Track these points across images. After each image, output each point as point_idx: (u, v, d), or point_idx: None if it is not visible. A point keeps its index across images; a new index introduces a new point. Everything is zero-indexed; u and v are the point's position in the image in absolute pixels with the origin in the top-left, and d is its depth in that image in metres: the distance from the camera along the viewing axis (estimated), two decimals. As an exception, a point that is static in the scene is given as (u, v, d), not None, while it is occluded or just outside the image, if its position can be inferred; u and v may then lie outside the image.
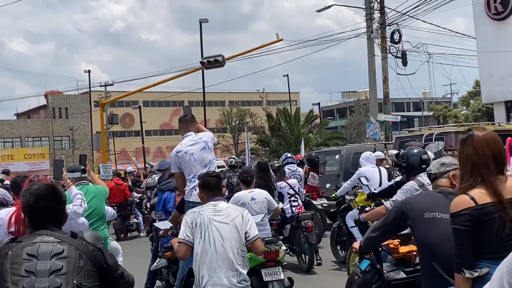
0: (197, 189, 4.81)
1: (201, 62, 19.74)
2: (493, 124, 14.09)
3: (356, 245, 4.07)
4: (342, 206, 9.14)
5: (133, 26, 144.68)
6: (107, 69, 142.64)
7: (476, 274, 2.85)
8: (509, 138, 8.53)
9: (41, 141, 62.23)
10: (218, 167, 17.40)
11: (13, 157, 55.59)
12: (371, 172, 8.73)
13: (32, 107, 68.50)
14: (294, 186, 9.49)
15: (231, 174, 12.84)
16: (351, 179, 9.13)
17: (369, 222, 5.73)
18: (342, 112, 70.53)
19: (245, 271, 4.04)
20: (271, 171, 9.38)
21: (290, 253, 9.17)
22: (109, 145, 41.53)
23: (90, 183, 6.63)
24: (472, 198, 2.91)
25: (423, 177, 5.34)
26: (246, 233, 4.12)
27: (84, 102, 60.04)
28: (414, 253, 3.99)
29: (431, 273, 3.24)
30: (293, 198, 9.32)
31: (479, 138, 2.99)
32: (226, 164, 15.91)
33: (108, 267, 2.84)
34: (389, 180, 8.28)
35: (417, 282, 3.78)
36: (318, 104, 53.85)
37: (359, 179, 8.65)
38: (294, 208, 9.23)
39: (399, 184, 6.20)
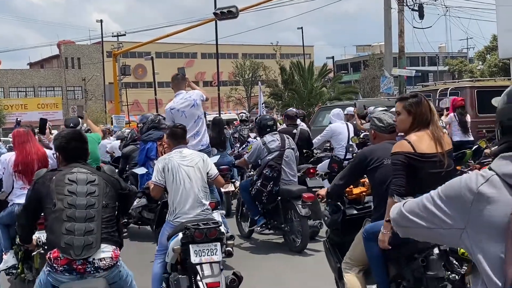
0: (188, 139, 6.12)
1: (214, 13, 19.44)
2: (509, 79, 13.86)
3: (322, 192, 4.75)
4: (311, 160, 9.83)
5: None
6: (119, 19, 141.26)
7: (403, 201, 3.27)
8: (453, 98, 9.45)
9: (54, 91, 62.13)
10: (229, 120, 17.59)
11: (26, 106, 55.90)
12: (341, 128, 9.66)
13: (44, 56, 68.35)
14: None
15: (242, 127, 13.58)
16: (322, 134, 9.91)
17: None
18: (356, 66, 69.31)
19: (207, 203, 5.14)
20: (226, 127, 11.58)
21: None
22: (121, 96, 41.52)
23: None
24: (410, 143, 3.71)
25: (266, 137, 7.46)
26: (208, 173, 5.26)
27: (97, 52, 59.62)
28: (364, 193, 4.70)
29: (383, 206, 3.84)
30: None
31: (427, 101, 3.88)
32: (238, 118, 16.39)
33: (122, 189, 3.86)
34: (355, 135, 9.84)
35: (366, 217, 4.44)
36: (332, 58, 53.09)
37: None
38: None
39: None
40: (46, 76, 62.73)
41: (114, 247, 3.64)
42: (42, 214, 3.79)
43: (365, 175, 4.42)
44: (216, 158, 7.30)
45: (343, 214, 4.66)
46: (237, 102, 51.19)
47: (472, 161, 8.55)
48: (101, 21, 45.84)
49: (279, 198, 7.40)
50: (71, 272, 3.46)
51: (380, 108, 8.48)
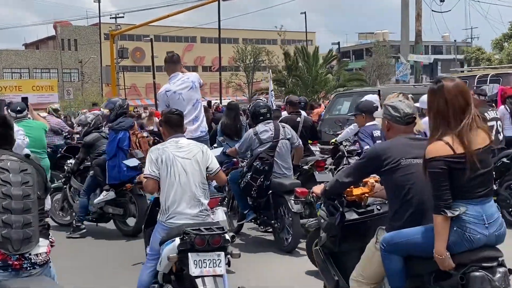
0: (186, 126, 5.54)
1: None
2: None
3: (317, 189, 4.19)
4: (338, 154, 8.89)
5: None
6: (117, 2, 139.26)
7: (456, 213, 3.17)
8: (500, 87, 8.35)
9: (49, 73, 60.76)
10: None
11: (21, 88, 54.66)
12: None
13: (40, 37, 67.01)
14: None
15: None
16: (355, 123, 8.40)
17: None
18: (359, 54, 68.45)
19: (206, 202, 4.49)
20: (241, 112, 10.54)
21: None
22: (118, 79, 40.31)
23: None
24: (448, 144, 3.19)
25: (258, 126, 6.92)
26: (208, 167, 4.57)
27: (94, 34, 58.41)
28: (366, 195, 4.16)
29: (403, 214, 3.50)
30: None
31: (449, 89, 3.23)
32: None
33: (46, 180, 3.60)
34: None
35: (368, 223, 4.04)
36: (338, 43, 51.51)
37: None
38: None
39: None
40: (42, 58, 61.44)
41: (48, 241, 3.47)
42: None
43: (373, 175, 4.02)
44: (219, 151, 6.70)
45: (341, 217, 4.13)
46: (237, 88, 50.07)
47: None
48: (99, 0, 44.49)
49: (270, 192, 6.92)
50: (6, 268, 3.23)
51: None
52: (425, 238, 3.33)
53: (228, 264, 4.26)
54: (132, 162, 7.33)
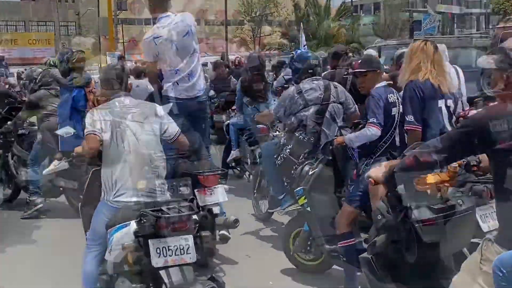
0: (180, 83, 5.30)
1: None
2: None
3: (377, 173, 3.08)
4: None
5: None
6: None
7: None
8: None
9: (46, 26, 58.97)
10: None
11: (16, 42, 53.64)
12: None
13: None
14: None
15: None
16: None
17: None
18: (367, 9, 66.75)
19: (163, 174, 3.89)
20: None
21: None
22: (117, 33, 38.72)
23: None
24: None
25: (304, 83, 5.33)
26: (165, 132, 3.95)
27: (92, -16, 56.65)
28: (446, 184, 3.02)
29: None
30: None
31: None
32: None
33: None
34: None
35: (446, 224, 3.00)
36: (350, -5, 49.51)
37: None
38: None
39: None
40: (38, 9, 59.70)
41: None
42: None
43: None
44: (168, 108, 5.29)
45: (406, 214, 3.09)
46: (242, 43, 48.42)
47: None
48: None
49: None
50: None
51: None
52: None
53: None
54: (65, 130, 6.14)
